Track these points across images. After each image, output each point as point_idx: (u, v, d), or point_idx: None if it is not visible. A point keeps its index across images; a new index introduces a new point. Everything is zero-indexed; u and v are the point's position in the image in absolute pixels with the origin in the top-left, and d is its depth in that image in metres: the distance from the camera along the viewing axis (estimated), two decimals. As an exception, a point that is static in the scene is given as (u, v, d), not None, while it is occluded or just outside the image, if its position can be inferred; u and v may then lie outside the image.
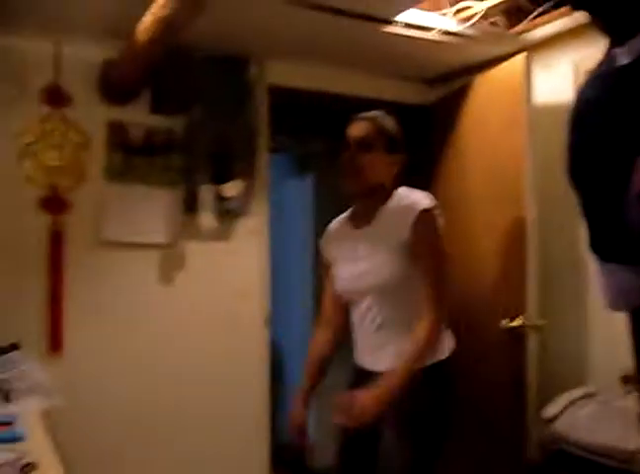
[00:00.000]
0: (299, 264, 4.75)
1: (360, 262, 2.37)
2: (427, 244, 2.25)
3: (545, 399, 3.08)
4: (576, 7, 0.98)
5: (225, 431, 3.47)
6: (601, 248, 1.23)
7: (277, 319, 3.82)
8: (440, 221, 2.29)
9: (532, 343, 3.23)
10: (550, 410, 2.94)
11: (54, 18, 2.97)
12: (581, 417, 2.85)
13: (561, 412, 2.89)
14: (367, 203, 2.40)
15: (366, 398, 2.14)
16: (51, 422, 2.36)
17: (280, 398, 4.52)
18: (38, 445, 1.91)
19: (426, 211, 2.25)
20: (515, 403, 3.24)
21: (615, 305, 1.27)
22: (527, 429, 3.19)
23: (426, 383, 2.22)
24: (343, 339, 2.59)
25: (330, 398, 2.25)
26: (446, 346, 2.35)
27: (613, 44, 0.99)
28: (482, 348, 3.38)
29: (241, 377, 3.54)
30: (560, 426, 2.84)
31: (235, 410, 3.50)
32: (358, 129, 2.37)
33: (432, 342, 2.23)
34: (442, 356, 2.31)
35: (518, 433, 3.21)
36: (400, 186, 2.41)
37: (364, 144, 2.33)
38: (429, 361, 2.26)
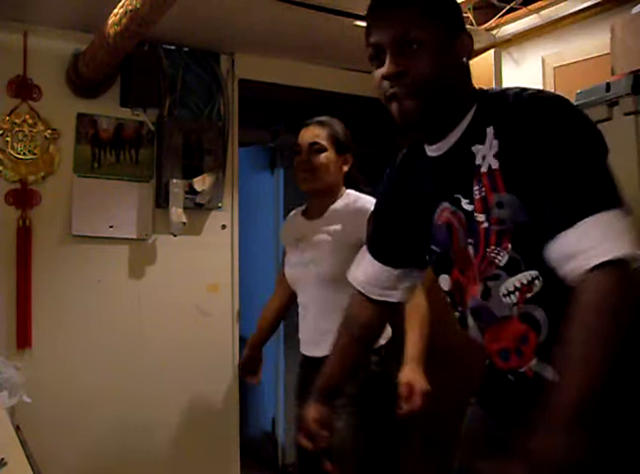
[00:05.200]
0: (269, 258, 4.73)
1: (306, 251, 2.48)
2: None
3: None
4: (405, 130, 1.43)
5: (195, 426, 3.46)
6: None
7: (245, 313, 3.81)
8: None
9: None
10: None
11: (23, 9, 2.94)
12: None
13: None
14: (320, 200, 2.53)
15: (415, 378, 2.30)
16: (20, 418, 2.34)
17: (248, 394, 4.52)
18: (5, 442, 1.90)
19: None
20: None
21: None
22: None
23: (366, 367, 2.31)
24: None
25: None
26: (388, 333, 2.43)
27: (427, 142, 1.48)
28: (458, 339, 3.41)
29: (211, 372, 3.53)
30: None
31: (205, 405, 3.50)
32: (309, 134, 2.51)
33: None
34: (383, 342, 2.38)
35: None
36: (352, 181, 2.55)
37: (317, 148, 2.47)
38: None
